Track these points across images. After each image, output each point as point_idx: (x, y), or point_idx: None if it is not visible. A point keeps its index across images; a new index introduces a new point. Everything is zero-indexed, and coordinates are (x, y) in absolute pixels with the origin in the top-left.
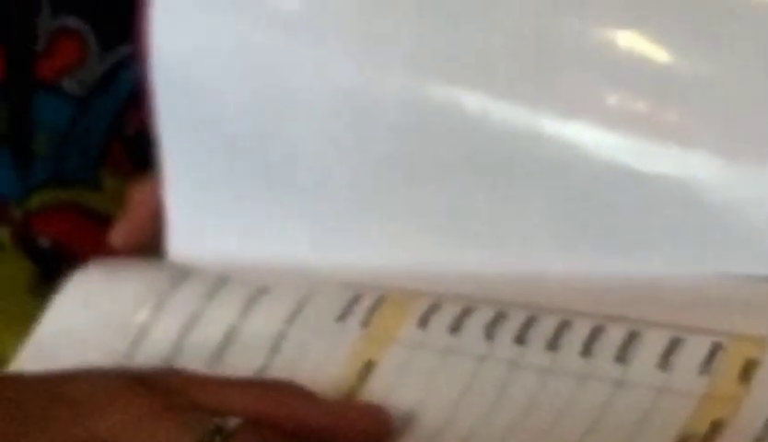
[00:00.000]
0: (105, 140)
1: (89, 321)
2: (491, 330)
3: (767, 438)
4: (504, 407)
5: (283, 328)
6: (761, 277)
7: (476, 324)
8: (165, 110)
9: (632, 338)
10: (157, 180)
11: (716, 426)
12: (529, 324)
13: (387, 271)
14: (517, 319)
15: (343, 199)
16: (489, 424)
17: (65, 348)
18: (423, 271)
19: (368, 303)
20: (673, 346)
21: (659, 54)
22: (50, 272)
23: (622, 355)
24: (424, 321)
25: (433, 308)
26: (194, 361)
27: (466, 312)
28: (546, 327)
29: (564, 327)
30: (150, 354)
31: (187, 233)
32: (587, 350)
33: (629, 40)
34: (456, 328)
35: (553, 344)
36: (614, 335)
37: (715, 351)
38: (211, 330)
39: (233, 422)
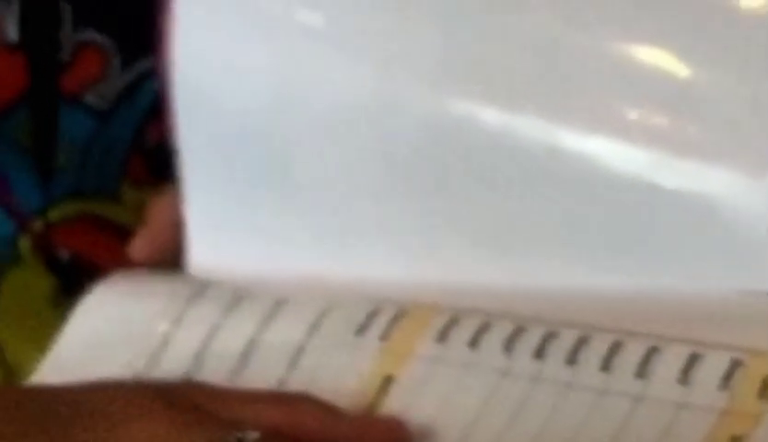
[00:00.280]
0: (126, 153)
1: (109, 334)
2: (510, 344)
3: None
4: (523, 422)
5: (302, 341)
6: None
7: (495, 339)
8: (185, 123)
9: (651, 353)
10: (177, 193)
11: None
12: (548, 339)
13: (406, 284)
14: (537, 333)
15: (363, 213)
16: (507, 439)
17: (86, 360)
18: (441, 285)
19: (387, 317)
20: (693, 362)
21: (679, 69)
22: (70, 284)
23: (642, 371)
24: (443, 336)
25: (452, 323)
26: (214, 373)
27: (485, 327)
28: (565, 342)
29: (583, 342)
30: (170, 366)
31: (207, 245)
32: (606, 365)
33: (649, 55)
34: (475, 342)
35: (573, 359)
36: (634, 350)
37: (734, 367)
38: (230, 342)
39: (253, 435)
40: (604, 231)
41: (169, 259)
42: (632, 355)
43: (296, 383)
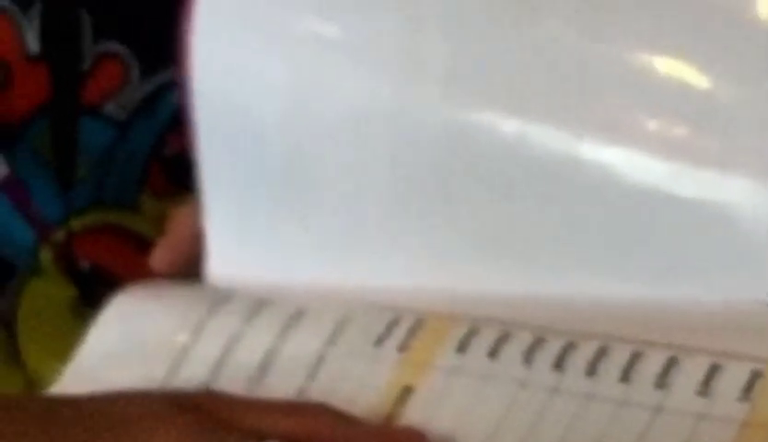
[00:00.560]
0: (145, 163)
1: (129, 344)
2: (529, 355)
3: None
4: (542, 433)
5: (321, 351)
6: None
7: (514, 350)
8: (205, 134)
9: (671, 364)
10: (196, 203)
11: None
12: (567, 350)
13: (423, 294)
14: (556, 344)
15: (380, 223)
16: None
17: (106, 370)
18: (460, 295)
19: (406, 327)
20: (713, 373)
21: (699, 80)
22: (90, 294)
23: (662, 382)
24: (462, 346)
25: (471, 334)
26: (233, 383)
27: (504, 337)
28: (585, 352)
29: (602, 353)
30: (190, 376)
31: (226, 256)
32: (626, 376)
33: (667, 65)
34: (494, 353)
35: (592, 370)
36: (653, 361)
37: (754, 378)
38: (250, 352)
39: None
40: (622, 241)
41: (189, 269)
42: (651, 366)
43: (315, 393)
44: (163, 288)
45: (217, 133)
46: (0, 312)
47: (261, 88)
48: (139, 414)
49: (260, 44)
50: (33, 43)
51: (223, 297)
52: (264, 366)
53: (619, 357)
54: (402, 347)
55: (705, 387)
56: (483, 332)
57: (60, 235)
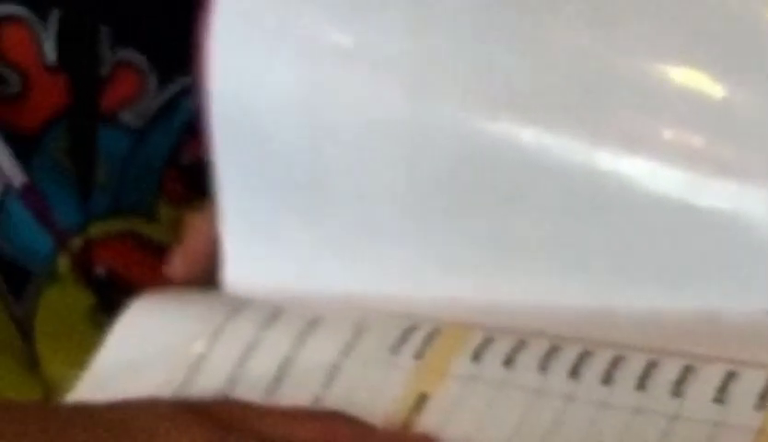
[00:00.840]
0: (162, 171)
1: (146, 352)
2: (545, 363)
3: None
4: (557, 441)
5: (337, 359)
6: None
7: (530, 358)
8: (221, 141)
9: (687, 372)
10: (212, 211)
11: None
12: (583, 358)
13: (440, 302)
14: (572, 352)
15: (396, 231)
16: None
17: (123, 378)
18: (475, 303)
19: (422, 335)
20: (728, 381)
21: (715, 89)
22: (107, 301)
23: (678, 390)
24: (478, 354)
25: (487, 342)
26: (250, 391)
27: (520, 346)
28: (601, 361)
29: (618, 361)
30: (206, 384)
31: (242, 263)
32: (641, 384)
33: (685, 75)
34: (510, 361)
35: (608, 378)
36: (669, 369)
37: None
38: (266, 360)
39: None
40: (640, 251)
41: (205, 277)
42: (667, 374)
43: (332, 401)
44: (180, 296)
45: (234, 140)
46: (17, 319)
47: (278, 96)
48: (156, 422)
49: (276, 53)
50: (51, 52)
51: (239, 305)
52: (280, 374)
53: (635, 365)
54: (418, 355)
55: (721, 395)
56: (499, 341)
57: (77, 242)
